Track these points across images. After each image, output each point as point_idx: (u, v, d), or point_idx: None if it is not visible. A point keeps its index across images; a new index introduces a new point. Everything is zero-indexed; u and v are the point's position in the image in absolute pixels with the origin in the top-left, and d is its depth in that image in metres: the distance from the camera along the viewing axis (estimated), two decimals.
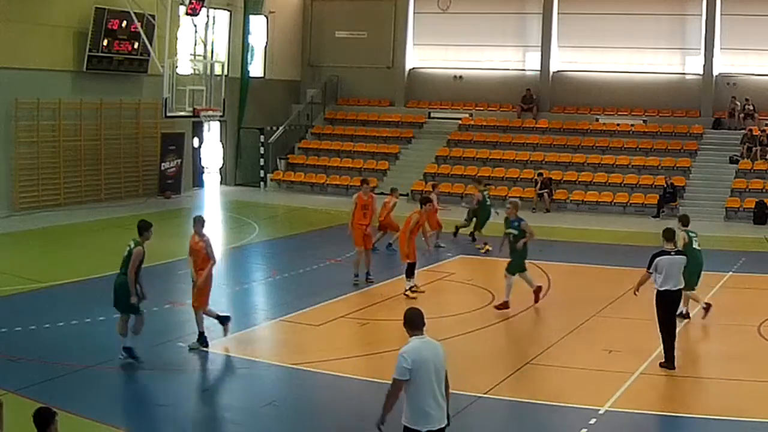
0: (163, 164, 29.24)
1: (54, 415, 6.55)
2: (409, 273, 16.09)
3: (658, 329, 12.27)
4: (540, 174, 29.27)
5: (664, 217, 27.06)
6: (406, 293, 15.97)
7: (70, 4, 25.64)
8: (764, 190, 27.20)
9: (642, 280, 12.58)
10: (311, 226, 22.81)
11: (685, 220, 14.83)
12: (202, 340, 12.75)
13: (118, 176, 28.02)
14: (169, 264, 18.94)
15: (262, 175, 33.14)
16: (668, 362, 12.17)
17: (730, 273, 18.64)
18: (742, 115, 29.89)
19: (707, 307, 14.77)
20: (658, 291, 12.24)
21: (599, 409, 10.41)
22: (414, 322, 7.34)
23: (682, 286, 12.43)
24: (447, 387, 7.42)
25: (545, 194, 28.71)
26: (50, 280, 16.75)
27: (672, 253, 12.40)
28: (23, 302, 15.25)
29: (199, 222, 12.96)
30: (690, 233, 14.47)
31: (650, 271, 12.34)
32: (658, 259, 12.27)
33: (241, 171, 33.59)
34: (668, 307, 12.27)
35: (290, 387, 11.70)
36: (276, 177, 32.82)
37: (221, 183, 33.35)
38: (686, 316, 14.69)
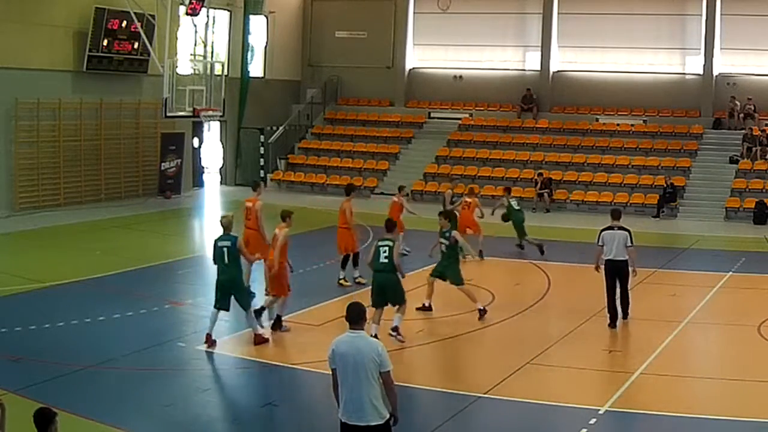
0: (163, 164, 29.24)
1: (54, 415, 6.55)
2: (345, 263, 16.99)
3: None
4: (540, 174, 29.27)
5: (664, 217, 27.08)
6: (340, 282, 16.83)
7: (70, 4, 25.64)
8: (764, 190, 27.19)
9: (596, 255, 14.40)
10: (311, 226, 22.76)
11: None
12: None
13: (118, 176, 28.02)
14: (169, 264, 18.98)
15: (262, 175, 33.13)
16: (611, 321, 14.15)
17: (730, 273, 18.63)
18: (742, 115, 29.88)
19: (428, 307, 15.02)
20: (605, 260, 14.17)
21: (599, 409, 10.41)
22: (349, 317, 7.53)
23: (623, 258, 14.04)
24: (388, 389, 7.40)
25: (545, 194, 28.72)
26: (50, 280, 16.75)
27: (615, 228, 14.15)
28: (23, 302, 15.25)
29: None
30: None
31: (600, 244, 14.20)
32: (603, 233, 14.22)
33: (241, 171, 33.59)
34: (610, 273, 14.13)
35: (290, 387, 11.72)
36: (276, 177, 32.82)
37: (221, 183, 33.34)
38: (428, 308, 15.05)
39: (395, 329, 13.07)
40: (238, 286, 13.00)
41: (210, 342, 12.76)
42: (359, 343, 7.40)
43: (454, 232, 14.75)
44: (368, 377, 7.30)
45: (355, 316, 7.51)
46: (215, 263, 12.99)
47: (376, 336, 12.11)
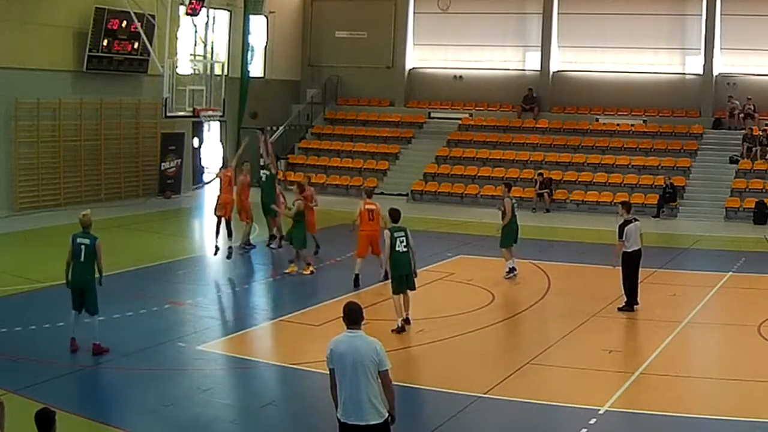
0: (163, 164, 29.23)
1: (54, 415, 6.55)
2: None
3: (621, 282, 15.09)
4: (540, 174, 29.27)
5: (664, 217, 27.07)
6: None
7: (70, 4, 25.63)
8: (764, 190, 27.18)
9: (617, 251, 15.00)
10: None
11: (395, 215, 13.93)
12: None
13: (118, 176, 28.00)
14: (169, 264, 18.98)
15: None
16: (628, 306, 14.96)
17: (730, 273, 18.62)
18: (742, 115, 29.88)
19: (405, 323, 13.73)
20: (625, 252, 14.86)
21: (599, 409, 10.40)
22: (347, 317, 7.53)
23: (640, 247, 15.00)
24: (386, 387, 7.39)
25: (545, 194, 28.72)
26: (50, 280, 16.71)
27: (633, 220, 15.09)
28: (23, 302, 15.26)
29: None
30: (396, 232, 13.68)
31: (623, 239, 14.80)
32: (627, 227, 14.84)
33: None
34: (632, 264, 14.93)
35: (290, 387, 11.72)
36: None
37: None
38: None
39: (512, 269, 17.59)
40: (89, 286, 12.53)
41: (75, 347, 12.30)
42: (357, 342, 7.39)
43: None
44: (367, 376, 7.30)
45: (353, 316, 7.49)
46: (72, 260, 12.64)
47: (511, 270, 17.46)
